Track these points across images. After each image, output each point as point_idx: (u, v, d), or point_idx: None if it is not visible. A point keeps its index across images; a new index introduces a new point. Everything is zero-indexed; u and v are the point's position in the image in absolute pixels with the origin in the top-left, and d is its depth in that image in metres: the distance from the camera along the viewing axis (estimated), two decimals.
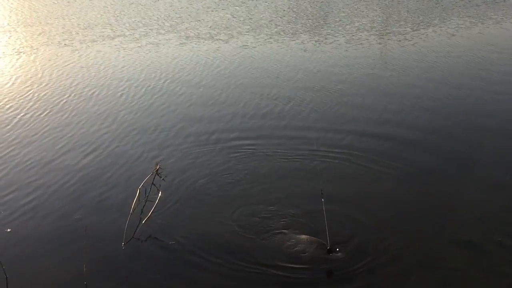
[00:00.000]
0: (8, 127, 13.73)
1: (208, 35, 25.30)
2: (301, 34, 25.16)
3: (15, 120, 14.16)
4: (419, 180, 10.62)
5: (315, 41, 23.73)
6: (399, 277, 7.73)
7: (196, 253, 8.30)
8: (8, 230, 8.84)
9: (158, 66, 19.88)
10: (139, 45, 23.62)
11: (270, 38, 24.44)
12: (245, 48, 22.63)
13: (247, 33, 25.56)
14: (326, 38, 24.10)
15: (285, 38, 24.47)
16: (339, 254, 8.03)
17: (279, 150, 11.94)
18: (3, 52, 22.53)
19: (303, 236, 8.48)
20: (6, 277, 7.52)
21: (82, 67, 19.85)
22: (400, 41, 23.34)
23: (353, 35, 24.49)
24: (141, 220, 8.91)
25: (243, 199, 9.85)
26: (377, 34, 24.89)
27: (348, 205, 9.59)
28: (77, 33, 26.19)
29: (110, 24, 28.25)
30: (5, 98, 16.15)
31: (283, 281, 7.65)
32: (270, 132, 13.17)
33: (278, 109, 14.68)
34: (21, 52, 22.45)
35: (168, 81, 17.72)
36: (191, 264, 8.07)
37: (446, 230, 8.86)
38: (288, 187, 10.33)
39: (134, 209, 8.86)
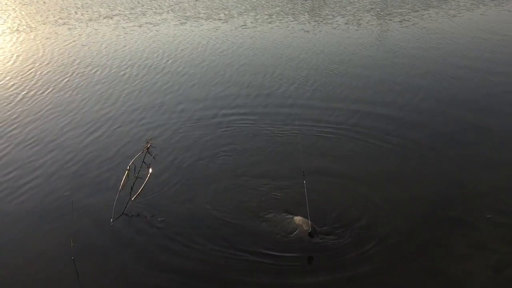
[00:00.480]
0: (11, 104, 13.66)
1: (207, 15, 25.05)
2: (300, 15, 24.89)
3: (18, 98, 14.07)
4: (414, 158, 10.58)
5: (315, 21, 23.48)
6: (390, 255, 7.69)
7: (183, 229, 8.29)
8: None
9: (159, 45, 19.72)
10: (138, 24, 23.42)
11: (270, 18, 24.19)
12: (245, 28, 22.41)
13: (246, 13, 25.31)
14: (325, 19, 23.83)
15: (284, 18, 24.21)
16: (319, 238, 7.89)
17: (277, 129, 11.89)
18: (2, 31, 22.38)
19: (296, 218, 8.34)
20: None
21: (83, 46, 19.74)
22: (400, 21, 23.07)
23: (353, 16, 24.22)
24: (130, 197, 8.86)
25: (235, 178, 9.80)
26: (377, 15, 24.60)
27: (341, 182, 9.60)
28: (75, 12, 25.99)
29: (106, 3, 28.00)
30: (7, 76, 16.09)
31: (265, 265, 7.57)
32: (268, 110, 13.12)
33: (281, 89, 14.64)
34: (20, 31, 22.30)
35: (170, 61, 17.56)
36: (178, 241, 8.04)
37: (437, 208, 8.84)
38: (283, 166, 10.23)
39: (123, 186, 8.80)
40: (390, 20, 23.65)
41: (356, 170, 10.04)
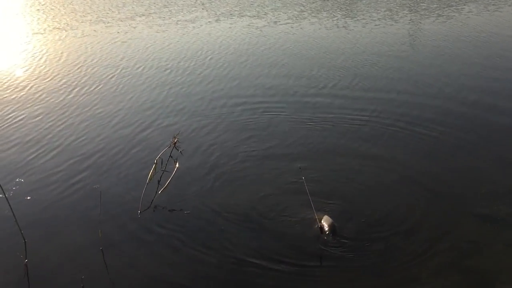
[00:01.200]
0: (61, 100, 14.02)
1: (239, 12, 25.18)
2: (334, 11, 24.71)
3: (69, 96, 14.37)
4: (442, 152, 10.46)
5: (349, 17, 23.28)
6: (419, 250, 7.53)
7: (210, 222, 8.33)
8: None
9: (198, 42, 19.97)
10: (174, 21, 23.76)
11: (302, 14, 24.11)
12: (280, 24, 22.48)
13: (278, 9, 25.33)
14: (359, 14, 23.59)
15: (318, 14, 24.10)
16: (335, 237, 7.75)
17: (313, 123, 11.94)
18: (43, 29, 23.06)
19: (321, 217, 8.19)
20: (25, 241, 7.71)
21: (123, 43, 20.20)
22: (435, 17, 22.62)
23: (389, 11, 23.87)
24: (157, 190, 9.00)
25: (264, 174, 9.77)
26: (410, 11, 24.18)
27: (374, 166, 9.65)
28: (112, 11, 26.56)
29: (140, 2, 28.53)
30: (57, 73, 16.53)
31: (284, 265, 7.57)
32: (305, 105, 13.16)
33: (322, 84, 14.60)
34: (60, 29, 22.95)
35: (212, 59, 17.63)
36: (205, 233, 8.10)
37: (465, 203, 8.64)
38: (317, 164, 10.12)
39: (150, 179, 8.94)
40: (427, 14, 23.20)
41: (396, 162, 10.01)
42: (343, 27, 21.61)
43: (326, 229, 7.82)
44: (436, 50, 17.72)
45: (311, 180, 9.11)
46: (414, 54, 17.56)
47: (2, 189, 7.65)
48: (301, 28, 21.74)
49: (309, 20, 23.11)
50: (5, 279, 7.26)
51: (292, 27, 21.90)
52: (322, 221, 7.97)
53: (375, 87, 14.30)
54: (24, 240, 7.74)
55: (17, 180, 9.70)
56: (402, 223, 8.15)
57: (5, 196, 7.72)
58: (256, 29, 21.82)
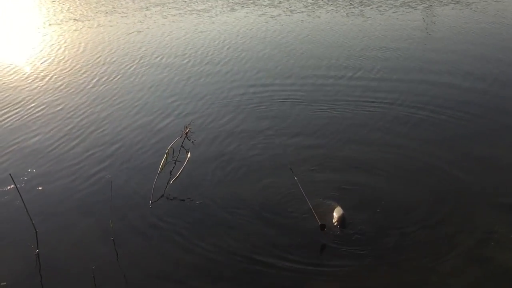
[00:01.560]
0: (82, 91, 13.98)
1: (254, 2, 24.93)
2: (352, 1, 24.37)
3: (88, 87, 14.34)
4: (464, 139, 10.29)
5: (367, 6, 22.92)
6: (434, 239, 7.35)
7: (220, 213, 8.22)
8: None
9: (215, 33, 19.76)
10: (188, 11, 23.65)
11: (319, 2, 23.77)
12: (294, 12, 22.17)
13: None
14: (376, 2, 23.20)
15: (335, 3, 23.76)
16: (336, 231, 7.56)
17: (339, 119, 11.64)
18: (60, 20, 23.12)
19: (334, 208, 8.03)
20: (36, 231, 7.70)
21: (140, 33, 20.22)
22: (454, 3, 22.14)
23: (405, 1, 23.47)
24: (169, 180, 8.91)
25: (278, 165, 9.56)
26: None
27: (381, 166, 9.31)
28: (126, 1, 26.54)
29: None
30: (77, 64, 16.51)
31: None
32: (323, 94, 12.97)
33: (344, 76, 14.27)
34: (77, 20, 22.99)
35: (229, 48, 17.47)
36: (216, 224, 7.99)
37: (489, 193, 8.41)
38: (335, 155, 9.91)
39: (162, 169, 8.86)
40: (445, 1, 22.72)
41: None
42: (360, 14, 21.28)
43: (335, 221, 7.64)
44: (458, 37, 17.36)
45: (330, 169, 9.04)
46: (434, 41, 17.27)
47: (13, 179, 7.61)
48: (317, 16, 21.46)
49: (325, 8, 22.81)
50: (16, 268, 7.23)
51: (308, 16, 21.63)
52: (333, 213, 7.80)
53: (395, 75, 14.08)
54: (36, 230, 7.72)
55: (30, 170, 9.69)
56: (423, 214, 7.93)
57: (16, 187, 7.70)
58: (272, 17, 21.60)
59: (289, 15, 21.84)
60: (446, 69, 14.22)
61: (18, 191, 7.61)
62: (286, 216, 8.07)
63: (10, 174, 7.75)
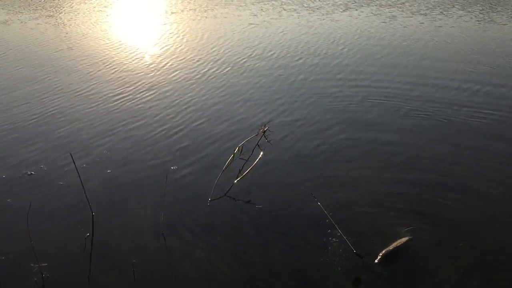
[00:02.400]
0: (194, 83, 14.11)
1: (382, 2, 23.74)
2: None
3: (198, 76, 14.55)
4: None
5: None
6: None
7: (282, 221, 7.53)
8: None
9: (330, 31, 19.28)
10: (305, 7, 23.15)
11: (428, 8, 21.97)
12: (417, 14, 20.69)
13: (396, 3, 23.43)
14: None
15: (468, 8, 21.80)
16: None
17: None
18: (181, 9, 23.86)
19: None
20: (93, 214, 7.64)
21: (256, 26, 20.30)
22: None
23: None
24: (236, 179, 8.42)
25: (349, 176, 8.73)
26: None
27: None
28: None
29: None
30: (192, 53, 16.99)
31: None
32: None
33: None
34: (194, 10, 23.59)
35: (346, 49, 16.88)
36: (276, 232, 7.32)
37: None
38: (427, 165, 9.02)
39: (227, 166, 8.40)
40: None
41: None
42: (491, 21, 19.24)
43: (381, 254, 6.61)
44: None
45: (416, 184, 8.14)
46: None
47: (73, 159, 7.58)
48: (440, 19, 19.81)
49: (457, 12, 20.99)
50: (67, 249, 7.17)
51: (433, 19, 20.05)
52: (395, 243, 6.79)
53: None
54: (92, 213, 7.65)
55: (105, 152, 9.78)
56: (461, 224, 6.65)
57: (76, 167, 7.65)
58: (391, 18, 20.37)
59: (410, 16, 20.42)
60: None
61: (78, 172, 7.56)
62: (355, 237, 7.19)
63: (70, 154, 7.74)
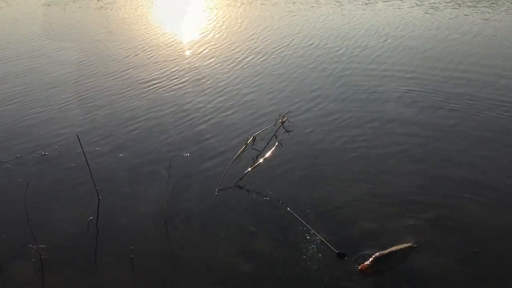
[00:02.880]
0: (231, 66, 14.16)
1: None
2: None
3: (233, 64, 14.42)
4: None
5: None
6: None
7: (290, 217, 7.15)
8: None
9: (372, 22, 18.72)
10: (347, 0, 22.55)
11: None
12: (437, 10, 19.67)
13: None
14: None
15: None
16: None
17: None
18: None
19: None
20: (99, 198, 7.59)
21: (295, 15, 19.92)
22: None
23: None
24: (247, 170, 8.16)
25: (373, 175, 8.26)
26: None
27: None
28: None
29: None
30: (230, 40, 16.90)
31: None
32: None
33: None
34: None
35: (388, 41, 16.23)
36: (282, 227, 7.01)
37: None
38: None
39: (238, 156, 8.15)
40: None
41: None
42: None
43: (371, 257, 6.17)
44: None
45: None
46: None
47: (80, 142, 7.53)
48: (500, 13, 18.71)
49: (506, 3, 19.79)
50: (71, 231, 7.14)
51: (490, 12, 18.98)
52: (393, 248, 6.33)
53: None
54: (99, 197, 7.61)
55: (120, 135, 9.75)
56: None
57: (83, 150, 7.60)
58: (434, 9, 19.44)
59: (456, 8, 19.42)
60: None
61: (85, 155, 7.52)
62: (358, 232, 6.80)
63: (77, 135, 7.70)
